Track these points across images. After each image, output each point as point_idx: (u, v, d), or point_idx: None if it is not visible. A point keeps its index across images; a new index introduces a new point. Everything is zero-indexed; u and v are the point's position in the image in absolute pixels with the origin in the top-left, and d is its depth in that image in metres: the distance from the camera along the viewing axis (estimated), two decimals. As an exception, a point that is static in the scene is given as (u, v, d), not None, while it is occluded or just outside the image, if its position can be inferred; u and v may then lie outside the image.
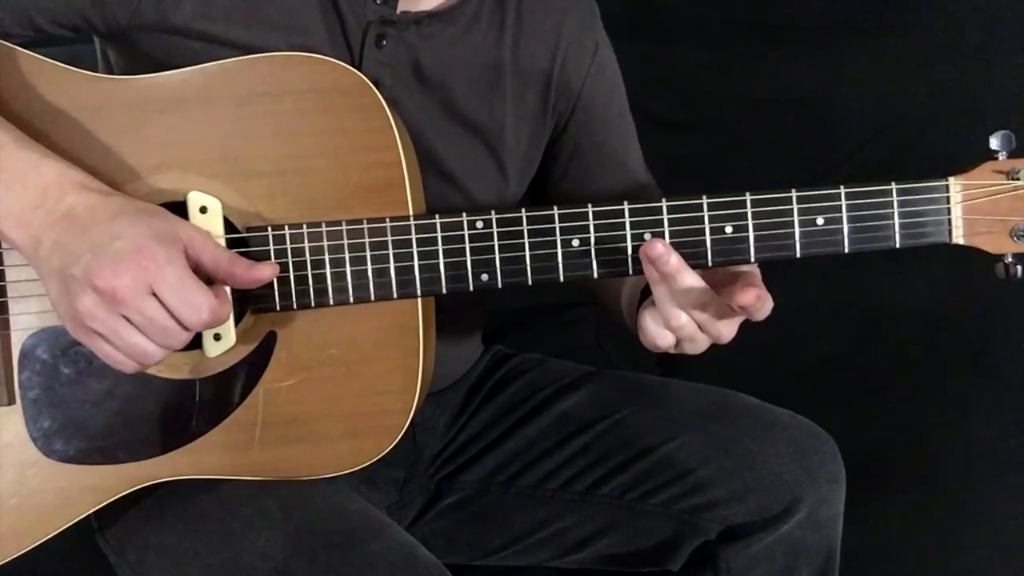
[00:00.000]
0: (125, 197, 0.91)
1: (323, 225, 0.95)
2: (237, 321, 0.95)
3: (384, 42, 1.03)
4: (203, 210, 0.94)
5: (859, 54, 1.69)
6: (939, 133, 1.65)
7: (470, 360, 1.27)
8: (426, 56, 1.06)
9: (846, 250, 0.94)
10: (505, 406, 1.24)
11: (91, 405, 0.96)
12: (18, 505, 0.97)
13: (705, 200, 0.94)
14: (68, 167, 0.90)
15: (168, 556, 0.99)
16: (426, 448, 1.22)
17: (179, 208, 0.93)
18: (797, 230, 0.94)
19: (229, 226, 0.95)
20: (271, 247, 0.95)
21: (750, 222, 0.94)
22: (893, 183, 0.94)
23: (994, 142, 0.93)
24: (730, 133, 1.75)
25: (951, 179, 0.94)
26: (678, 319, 0.92)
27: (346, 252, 0.95)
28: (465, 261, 0.96)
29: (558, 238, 0.95)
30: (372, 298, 0.96)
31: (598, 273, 0.96)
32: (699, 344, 0.95)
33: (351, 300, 0.96)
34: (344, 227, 0.95)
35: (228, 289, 0.92)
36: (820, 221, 0.94)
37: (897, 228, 0.94)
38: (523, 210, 0.95)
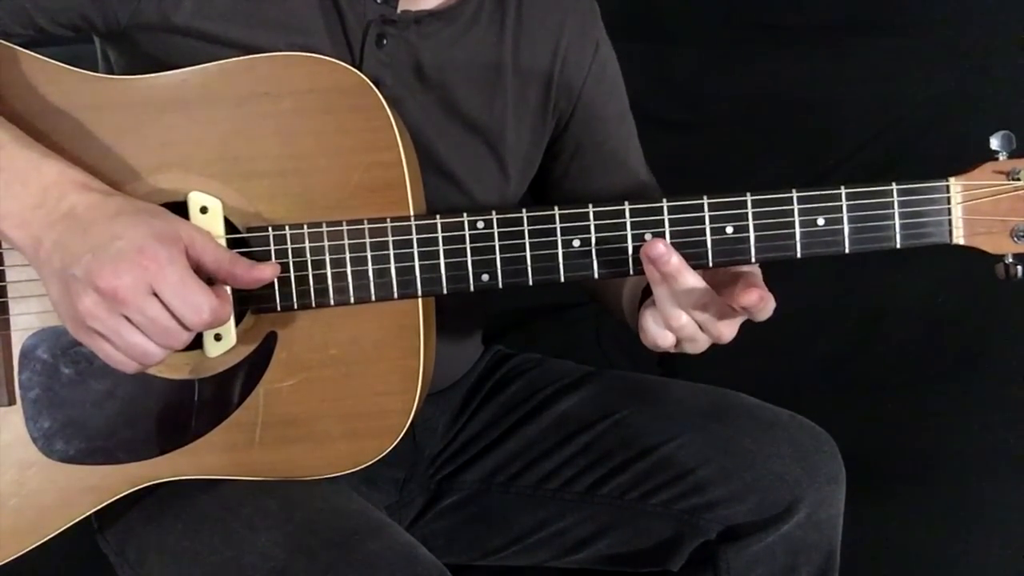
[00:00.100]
0: (126, 197, 0.91)
1: (324, 225, 0.95)
2: (238, 321, 0.95)
3: (385, 41, 1.03)
4: (204, 210, 0.94)
5: (859, 54, 1.69)
6: (939, 133, 1.65)
7: (470, 360, 1.27)
8: (427, 56, 1.06)
9: (847, 250, 0.94)
10: (505, 406, 1.24)
11: (91, 405, 0.96)
12: (18, 505, 0.97)
13: (706, 200, 0.94)
14: (69, 167, 0.90)
15: (168, 556, 0.99)
16: (426, 448, 1.22)
17: (180, 208, 0.93)
18: (798, 230, 0.94)
19: (230, 226, 0.95)
20: (272, 247, 0.95)
21: (751, 222, 0.94)
22: (894, 183, 0.94)
23: (994, 142, 0.93)
24: (730, 133, 1.75)
25: (952, 179, 0.94)
26: (679, 319, 0.92)
27: (347, 252, 0.95)
28: (466, 261, 0.96)
29: (559, 238, 0.95)
30: (373, 298, 0.96)
31: (599, 273, 0.96)
32: (699, 344, 0.95)
33: (352, 300, 0.96)
34: (345, 227, 0.95)
35: (229, 289, 0.92)
36: (821, 221, 0.94)
37: (898, 228, 0.94)
38: (524, 210, 0.95)
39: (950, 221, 0.94)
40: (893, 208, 0.94)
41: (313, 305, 0.96)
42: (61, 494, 0.97)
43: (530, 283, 0.96)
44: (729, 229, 0.94)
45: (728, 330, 0.94)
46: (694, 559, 1.17)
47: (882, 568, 1.54)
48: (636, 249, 0.94)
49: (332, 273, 0.95)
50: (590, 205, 0.95)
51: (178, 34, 0.99)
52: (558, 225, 0.95)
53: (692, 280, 0.91)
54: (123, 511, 1.01)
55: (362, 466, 0.98)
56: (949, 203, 0.94)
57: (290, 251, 0.95)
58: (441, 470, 1.23)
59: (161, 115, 0.95)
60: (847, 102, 1.70)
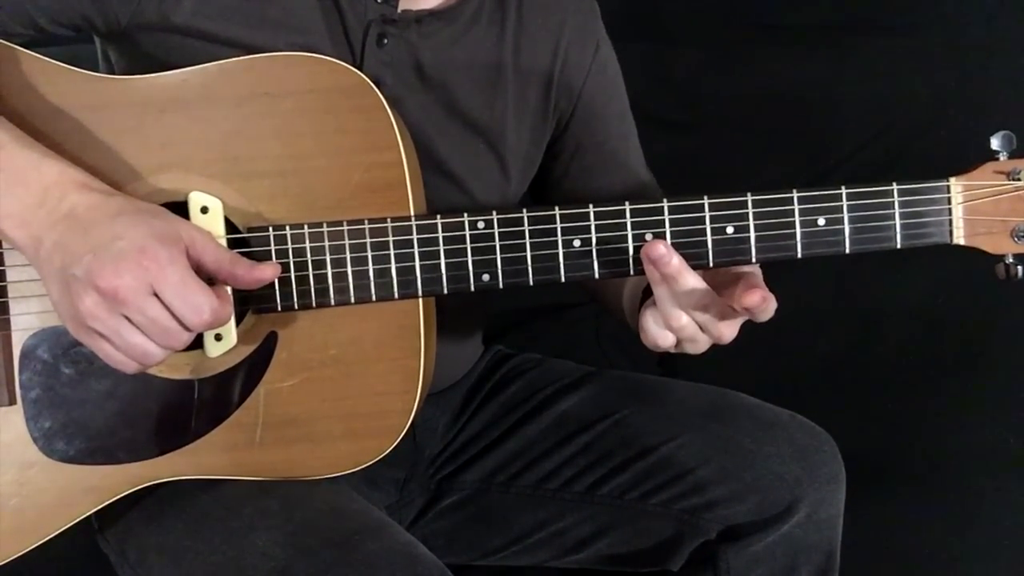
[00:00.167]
0: (126, 197, 0.91)
1: (324, 225, 0.95)
2: (238, 321, 0.95)
3: (385, 41, 1.03)
4: (204, 210, 0.94)
5: (859, 54, 1.69)
6: (940, 133, 1.65)
7: (471, 360, 1.27)
8: (427, 55, 1.06)
9: (847, 251, 0.94)
10: (505, 406, 1.24)
11: (92, 405, 0.96)
12: (18, 505, 0.97)
13: (706, 200, 0.94)
14: (69, 167, 0.90)
15: (169, 556, 0.99)
16: (426, 448, 1.22)
17: (180, 208, 0.93)
18: (798, 230, 0.94)
19: (230, 226, 0.95)
20: (272, 247, 0.95)
21: (751, 222, 0.94)
22: (894, 183, 0.94)
23: (995, 142, 0.93)
24: (730, 133, 1.75)
25: (952, 179, 0.94)
26: (679, 320, 0.92)
27: (347, 252, 0.95)
28: (466, 261, 0.96)
29: (559, 238, 0.95)
30: (373, 298, 0.96)
31: (599, 273, 0.96)
32: (700, 344, 0.95)
33: (352, 300, 0.96)
34: (345, 227, 0.95)
35: (229, 289, 0.92)
36: (821, 222, 0.94)
37: (898, 229, 0.94)
38: (524, 210, 0.95)
39: (950, 221, 0.94)
40: (894, 208, 0.94)
41: (314, 305, 0.96)
42: (61, 494, 0.97)
43: (531, 283, 0.96)
44: (730, 229, 0.94)
45: (729, 331, 0.94)
46: (694, 559, 1.17)
47: (882, 568, 1.54)
48: (636, 249, 0.94)
49: (333, 273, 0.95)
50: (590, 205, 0.95)
51: (178, 34, 0.99)
52: (559, 225, 0.95)
53: (693, 281, 0.91)
54: (123, 511, 1.02)
55: (362, 466, 0.98)
56: (949, 203, 0.94)
57: (291, 251, 0.95)
58: (441, 470, 1.23)
59: (161, 115, 0.95)
60: (847, 102, 1.70)
